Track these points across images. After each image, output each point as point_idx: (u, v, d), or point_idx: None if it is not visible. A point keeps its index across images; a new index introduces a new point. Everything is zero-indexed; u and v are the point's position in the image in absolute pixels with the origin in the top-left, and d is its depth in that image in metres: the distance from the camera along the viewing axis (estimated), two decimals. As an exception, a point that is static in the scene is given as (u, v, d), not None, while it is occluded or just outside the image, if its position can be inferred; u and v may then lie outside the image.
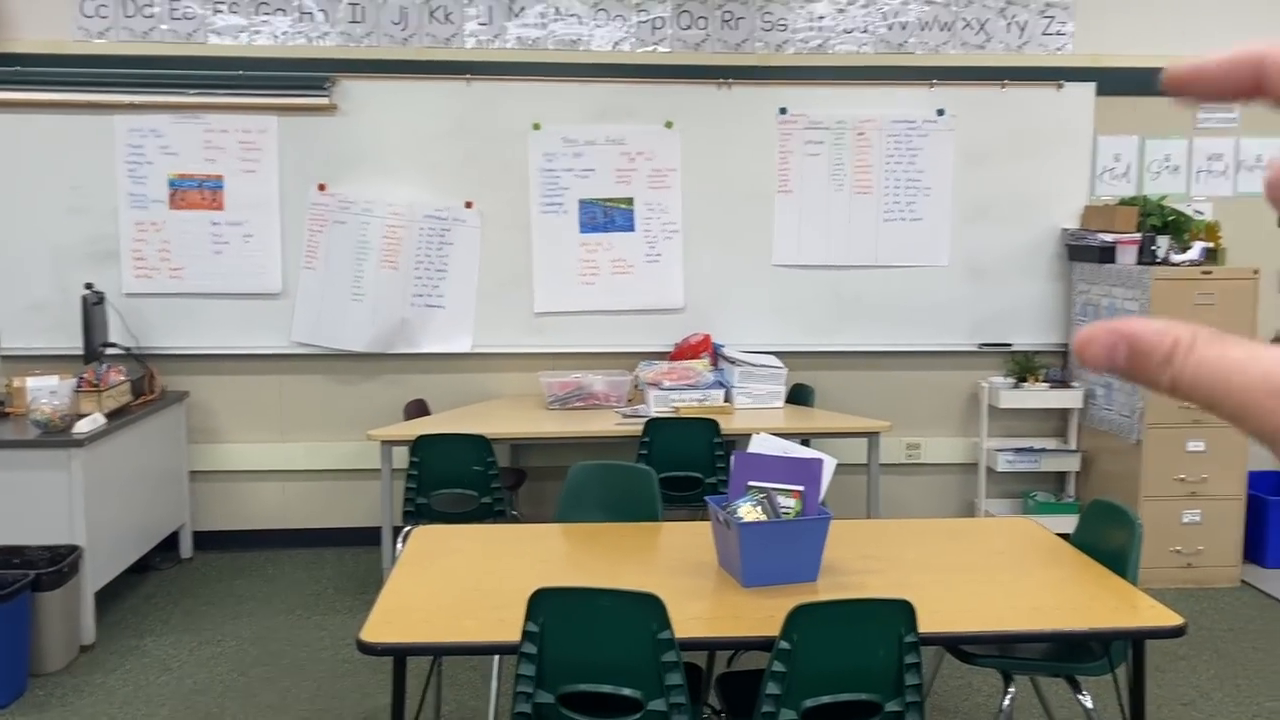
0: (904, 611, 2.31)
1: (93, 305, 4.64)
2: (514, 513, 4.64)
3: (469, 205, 5.10)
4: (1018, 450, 5.26)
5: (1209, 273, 4.69)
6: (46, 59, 4.87)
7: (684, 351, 5.05)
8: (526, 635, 2.27)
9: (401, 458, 4.24)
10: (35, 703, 3.58)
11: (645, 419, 4.36)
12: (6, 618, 3.52)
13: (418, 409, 4.87)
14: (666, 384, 4.65)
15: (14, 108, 4.86)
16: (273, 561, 5.04)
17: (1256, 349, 0.32)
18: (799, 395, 4.98)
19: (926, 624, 2.36)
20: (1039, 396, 5.16)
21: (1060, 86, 5.21)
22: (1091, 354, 0.34)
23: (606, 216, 5.16)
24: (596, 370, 5.03)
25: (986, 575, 2.79)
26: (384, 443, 4.32)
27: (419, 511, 4.08)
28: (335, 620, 4.33)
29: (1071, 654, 2.90)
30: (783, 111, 5.15)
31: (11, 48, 4.86)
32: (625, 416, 4.56)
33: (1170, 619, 2.47)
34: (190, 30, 4.94)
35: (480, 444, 4.10)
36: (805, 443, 4.13)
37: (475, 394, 5.16)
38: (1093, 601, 2.61)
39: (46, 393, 4.09)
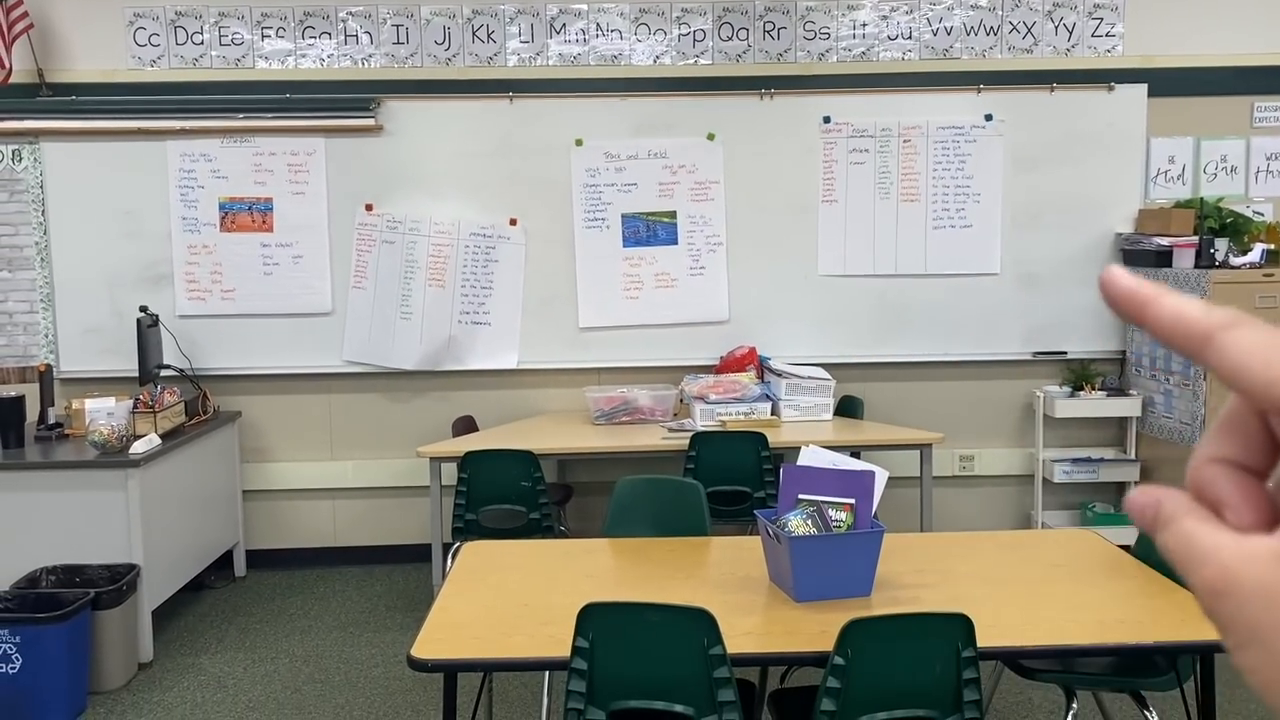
0: (962, 625, 2.25)
1: (147, 328, 4.72)
2: (562, 528, 4.64)
3: (513, 222, 5.12)
4: (1075, 460, 5.14)
5: (1270, 275, 4.56)
6: (101, 88, 4.98)
7: (729, 364, 5.02)
8: (576, 651, 2.25)
9: (450, 474, 4.25)
10: (94, 720, 3.63)
11: (691, 433, 4.33)
12: (68, 635, 3.58)
13: (466, 425, 4.89)
14: (712, 397, 4.62)
15: (71, 136, 4.97)
16: (324, 579, 5.08)
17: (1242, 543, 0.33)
18: (847, 407, 4.92)
19: (985, 638, 2.30)
20: (1096, 405, 5.04)
21: (1111, 88, 5.11)
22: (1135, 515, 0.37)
23: (649, 230, 5.15)
24: (641, 385, 5.02)
25: (1046, 588, 2.72)
26: (433, 459, 4.33)
27: (468, 528, 4.08)
28: (387, 637, 4.34)
29: (1136, 669, 2.81)
30: (826, 120, 5.11)
31: (67, 77, 4.98)
32: (671, 430, 4.53)
33: (1240, 632, 2.38)
34: (239, 56, 5.02)
35: (528, 460, 4.09)
36: (855, 455, 4.08)
37: (522, 410, 5.17)
38: (1158, 615, 2.53)
39: (104, 414, 4.17)
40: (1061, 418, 5.09)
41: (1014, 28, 5.12)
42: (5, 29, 4.72)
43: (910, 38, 5.12)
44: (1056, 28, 5.13)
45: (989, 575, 2.82)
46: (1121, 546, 3.04)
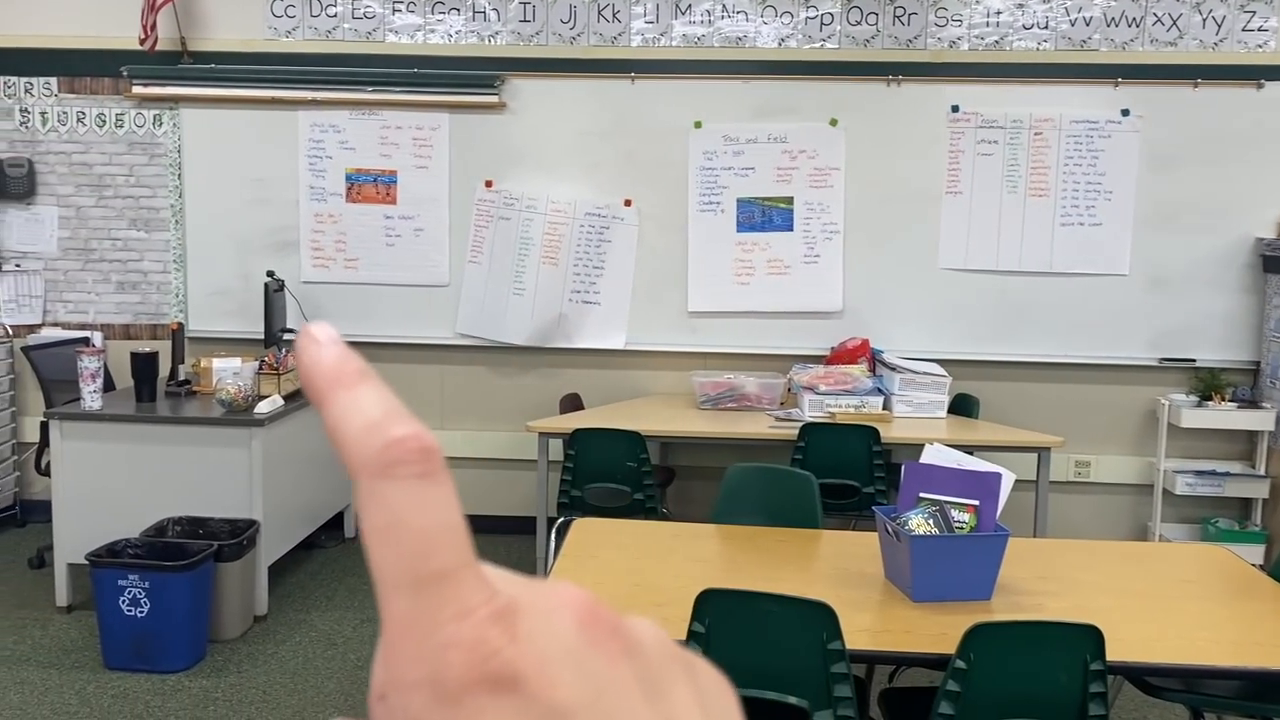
0: (1091, 636, 2.18)
1: (273, 292, 4.88)
2: (664, 510, 4.65)
3: (628, 203, 5.13)
4: (1199, 473, 4.94)
5: None
6: (239, 57, 5.14)
7: (841, 356, 4.95)
8: (692, 635, 2.25)
9: (557, 450, 4.29)
10: (214, 667, 3.79)
11: (799, 423, 4.28)
12: (193, 585, 3.73)
13: (572, 403, 4.93)
14: (822, 388, 4.56)
15: (209, 103, 5.15)
16: (429, 545, 5.17)
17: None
18: (962, 405, 4.81)
19: (1111, 652, 2.23)
20: (1225, 416, 4.83)
21: (1260, 86, 4.86)
22: None
23: (765, 216, 5.10)
24: (749, 371, 4.98)
25: (1175, 604, 2.62)
26: (541, 434, 4.38)
27: (573, 504, 4.12)
28: (488, 606, 4.41)
29: (1271, 695, 2.69)
30: (954, 110, 4.98)
31: (208, 46, 5.15)
32: (778, 419, 4.49)
33: (1391, 665, 2.26)
34: (370, 29, 5.13)
35: (634, 440, 4.11)
36: (969, 454, 3.99)
37: (627, 390, 5.19)
38: (1298, 640, 2.41)
39: (230, 374, 4.32)
40: (1187, 427, 4.88)
41: (1158, 20, 4.91)
42: (152, -1, 4.90)
43: (1046, 27, 4.95)
44: (1204, 21, 4.89)
45: (1113, 586, 2.73)
46: (1252, 565, 2.91)
